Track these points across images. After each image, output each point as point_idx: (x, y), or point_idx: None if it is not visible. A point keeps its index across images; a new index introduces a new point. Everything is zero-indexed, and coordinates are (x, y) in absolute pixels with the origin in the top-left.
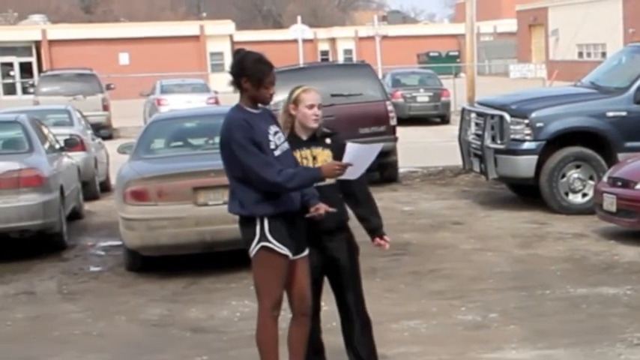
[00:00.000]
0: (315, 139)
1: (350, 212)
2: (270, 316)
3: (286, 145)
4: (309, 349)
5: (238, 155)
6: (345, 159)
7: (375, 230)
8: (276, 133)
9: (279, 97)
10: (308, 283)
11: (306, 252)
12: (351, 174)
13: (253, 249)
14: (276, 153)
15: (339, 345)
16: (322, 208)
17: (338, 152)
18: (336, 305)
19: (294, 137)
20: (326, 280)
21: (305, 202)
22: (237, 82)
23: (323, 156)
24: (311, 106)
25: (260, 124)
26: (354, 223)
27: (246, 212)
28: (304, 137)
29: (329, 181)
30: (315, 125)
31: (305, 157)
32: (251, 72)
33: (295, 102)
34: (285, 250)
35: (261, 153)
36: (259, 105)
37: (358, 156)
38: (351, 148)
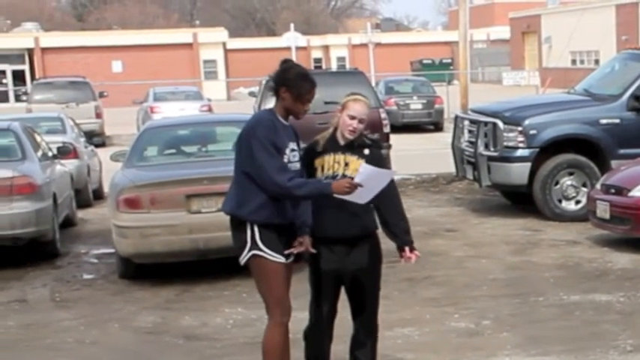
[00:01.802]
0: (352, 147)
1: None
2: (280, 323)
3: (297, 165)
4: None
5: (256, 151)
6: (357, 179)
7: (403, 245)
8: (292, 150)
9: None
10: (288, 290)
11: (291, 259)
12: (360, 197)
13: (245, 256)
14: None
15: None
16: (306, 244)
17: (372, 164)
18: (350, 313)
19: (333, 139)
20: None
21: (297, 220)
22: (276, 90)
23: (356, 164)
24: (352, 117)
25: (284, 135)
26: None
27: (240, 214)
28: (342, 142)
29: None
30: (349, 136)
31: (338, 161)
32: (292, 84)
33: (343, 107)
34: (277, 257)
35: (278, 155)
36: (289, 118)
37: (370, 178)
38: (365, 169)
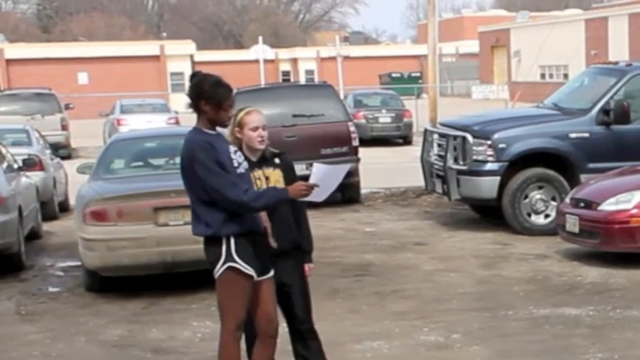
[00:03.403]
0: (266, 160)
1: None
2: (233, 336)
3: (247, 165)
4: None
5: (202, 176)
6: (312, 179)
7: (305, 255)
8: (236, 151)
9: None
10: (274, 304)
11: (271, 273)
12: (318, 195)
13: (219, 269)
14: (239, 171)
15: None
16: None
17: (287, 171)
18: (287, 328)
19: (244, 159)
20: None
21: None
22: (195, 105)
23: (275, 176)
24: (255, 129)
25: (221, 145)
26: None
27: (212, 232)
28: (254, 158)
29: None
30: (261, 147)
31: (258, 177)
32: (210, 95)
33: (240, 125)
34: (250, 271)
35: (225, 173)
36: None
37: (325, 176)
38: (318, 168)
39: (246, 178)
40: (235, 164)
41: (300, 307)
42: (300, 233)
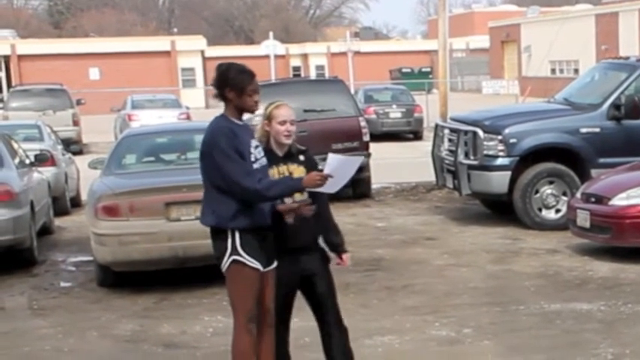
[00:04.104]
0: (291, 156)
1: None
2: (244, 329)
3: (265, 161)
4: None
5: (220, 162)
6: (327, 170)
7: (337, 247)
8: (256, 147)
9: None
10: (273, 294)
11: (275, 264)
12: (331, 186)
13: (225, 263)
14: (255, 166)
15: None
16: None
17: (311, 169)
18: (315, 320)
19: (270, 153)
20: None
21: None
22: (221, 94)
23: (298, 172)
24: (283, 122)
25: (243, 136)
26: None
27: (219, 224)
28: (280, 153)
29: (300, 196)
30: (287, 141)
31: (282, 172)
32: (233, 82)
33: (268, 118)
34: (256, 264)
35: (242, 161)
36: (243, 118)
37: (339, 168)
38: (332, 159)
39: (261, 173)
40: (253, 159)
41: (326, 295)
42: (327, 227)
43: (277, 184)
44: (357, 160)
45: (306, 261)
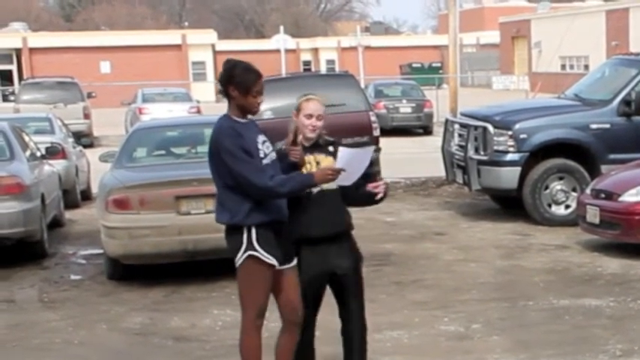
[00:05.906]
0: (319, 146)
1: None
2: (254, 325)
3: (274, 155)
4: (301, 357)
5: (228, 163)
6: (338, 164)
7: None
8: (264, 142)
9: (263, 106)
10: (297, 292)
11: (294, 262)
12: (346, 179)
13: (240, 258)
14: (265, 161)
15: (328, 353)
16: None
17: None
18: (338, 311)
19: (296, 144)
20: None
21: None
22: (225, 91)
23: (326, 162)
24: (309, 116)
25: (248, 133)
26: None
27: (235, 221)
28: (307, 144)
29: (329, 186)
30: (310, 135)
31: (309, 162)
32: (239, 80)
33: (298, 109)
34: (272, 260)
35: (251, 159)
36: (248, 116)
37: (351, 160)
38: (343, 152)
39: (271, 169)
40: (262, 155)
41: (354, 296)
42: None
43: (289, 181)
44: (368, 151)
45: (337, 256)
